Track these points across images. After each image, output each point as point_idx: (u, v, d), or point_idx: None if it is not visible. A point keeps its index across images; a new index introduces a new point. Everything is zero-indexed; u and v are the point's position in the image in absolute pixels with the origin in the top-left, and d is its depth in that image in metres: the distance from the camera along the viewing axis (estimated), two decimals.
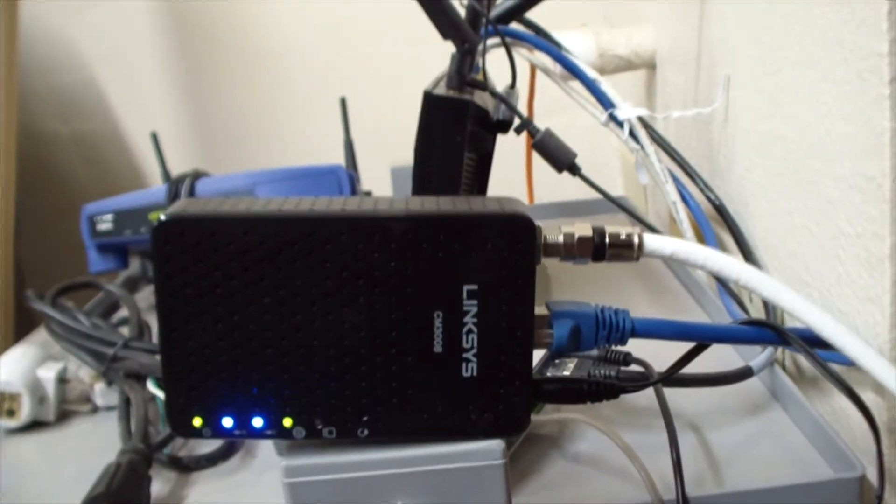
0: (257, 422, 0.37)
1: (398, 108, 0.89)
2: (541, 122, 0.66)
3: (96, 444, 0.59)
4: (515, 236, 0.35)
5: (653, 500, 0.43)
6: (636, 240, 0.37)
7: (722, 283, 0.68)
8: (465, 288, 0.36)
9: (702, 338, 0.39)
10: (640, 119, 0.75)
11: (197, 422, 0.37)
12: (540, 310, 0.37)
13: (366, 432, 0.37)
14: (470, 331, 0.36)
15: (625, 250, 0.37)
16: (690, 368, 0.41)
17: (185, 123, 1.27)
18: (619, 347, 0.48)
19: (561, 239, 0.37)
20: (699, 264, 0.38)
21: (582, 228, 0.37)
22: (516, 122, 0.64)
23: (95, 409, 0.64)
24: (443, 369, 0.36)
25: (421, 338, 0.36)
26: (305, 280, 0.35)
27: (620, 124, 0.75)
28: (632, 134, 0.75)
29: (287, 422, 0.37)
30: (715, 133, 0.76)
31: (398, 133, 0.72)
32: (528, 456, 0.50)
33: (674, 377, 0.50)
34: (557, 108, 0.88)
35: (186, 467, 0.54)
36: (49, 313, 0.65)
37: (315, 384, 0.36)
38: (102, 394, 0.64)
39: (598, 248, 0.37)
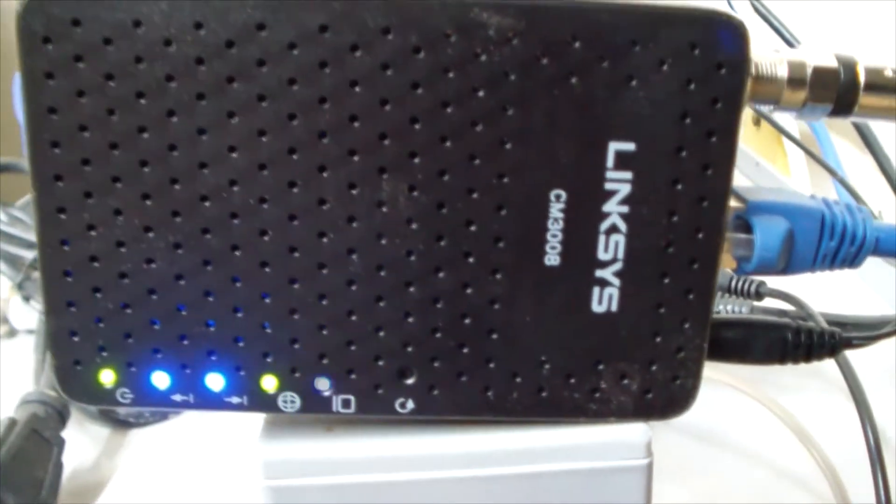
0: (214, 380, 0.21)
1: None
2: None
3: (8, 380, 0.42)
4: (715, 53, 0.18)
5: None
6: None
7: (856, 195, 0.51)
8: (613, 147, 0.19)
9: None
10: None
11: (107, 377, 0.21)
12: None
13: (410, 406, 0.21)
14: (613, 229, 0.19)
15: (888, 96, 0.21)
16: None
17: None
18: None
19: (783, 71, 0.20)
20: None
21: (817, 54, 0.20)
22: None
23: (13, 333, 0.47)
24: (558, 298, 0.20)
25: (522, 239, 0.19)
26: (310, 119, 0.18)
27: None
28: (729, 4, 0.58)
29: (268, 382, 0.21)
30: None
31: None
32: None
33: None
34: None
35: (124, 422, 0.38)
36: None
37: (321, 316, 0.20)
38: (22, 312, 0.47)
39: (848, 90, 0.20)
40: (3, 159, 0.56)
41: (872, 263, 0.48)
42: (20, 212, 0.52)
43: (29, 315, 0.47)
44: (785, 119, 0.57)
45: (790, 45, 0.55)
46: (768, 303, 0.37)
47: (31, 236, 0.47)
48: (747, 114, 0.64)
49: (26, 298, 0.46)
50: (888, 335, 0.24)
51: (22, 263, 0.46)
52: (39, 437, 0.33)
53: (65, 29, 0.18)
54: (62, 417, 0.35)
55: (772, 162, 0.64)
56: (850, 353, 0.35)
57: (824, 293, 0.38)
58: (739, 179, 0.64)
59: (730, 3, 0.56)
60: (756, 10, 0.57)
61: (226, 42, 0.18)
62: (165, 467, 0.37)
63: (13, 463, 0.31)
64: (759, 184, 0.62)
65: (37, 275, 0.45)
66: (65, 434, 0.35)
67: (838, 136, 0.57)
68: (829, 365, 0.32)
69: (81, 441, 0.38)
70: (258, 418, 0.22)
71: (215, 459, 0.36)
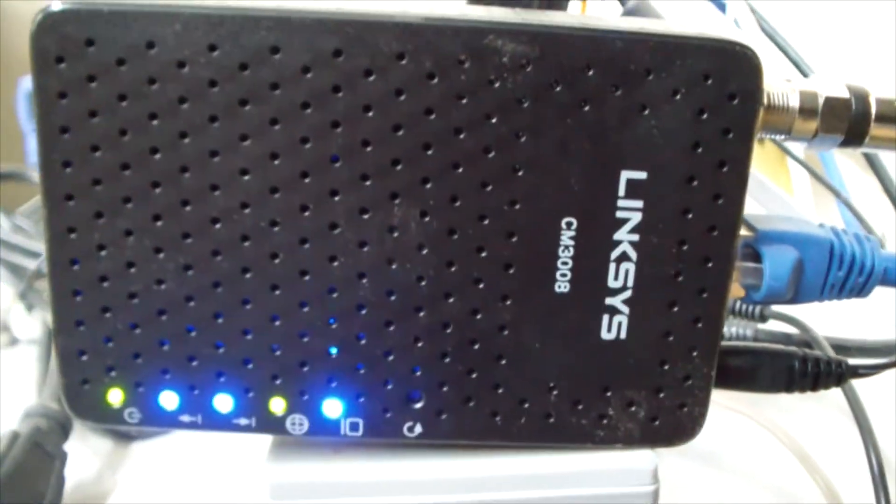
0: (223, 402, 0.21)
1: None
2: None
3: (9, 390, 0.42)
4: (728, 83, 0.18)
5: None
6: None
7: (860, 216, 0.51)
8: (625, 176, 0.19)
9: None
10: (749, 6, 0.58)
11: (115, 396, 0.21)
12: None
13: (418, 430, 0.21)
14: (624, 257, 0.19)
15: None
16: None
17: None
18: None
19: (795, 101, 0.20)
20: None
21: (828, 84, 0.20)
22: None
23: (15, 342, 0.47)
24: (568, 324, 0.20)
25: (532, 266, 0.19)
26: (322, 143, 0.18)
27: (722, 7, 0.58)
28: (736, 23, 0.58)
29: (277, 404, 0.20)
30: None
31: None
32: None
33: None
34: None
35: (126, 435, 0.38)
36: None
37: (330, 339, 0.20)
38: (24, 322, 0.46)
39: (859, 120, 0.20)
40: (5, 167, 0.56)
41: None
42: (23, 220, 0.52)
43: (31, 325, 0.47)
44: None
45: (796, 63, 0.56)
46: (772, 325, 0.37)
47: (34, 245, 0.47)
48: None
49: (29, 308, 0.46)
50: (895, 364, 0.24)
51: (24, 272, 0.45)
52: (42, 451, 0.33)
53: (78, 49, 0.18)
54: (65, 430, 0.34)
55: (775, 180, 0.64)
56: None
57: (828, 311, 0.38)
58: None
59: (736, 23, 0.56)
60: (762, 28, 0.58)
61: (239, 65, 0.18)
62: (168, 481, 0.37)
63: (15, 476, 0.31)
64: (761, 202, 0.62)
65: (39, 284, 0.45)
66: (67, 447, 0.35)
67: (842, 156, 0.57)
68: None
69: (84, 454, 0.38)
70: (265, 438, 0.22)
71: (218, 473, 0.36)
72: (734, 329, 0.35)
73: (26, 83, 0.63)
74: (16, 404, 0.36)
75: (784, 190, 0.62)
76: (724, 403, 0.32)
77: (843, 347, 0.35)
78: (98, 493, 0.36)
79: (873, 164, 0.52)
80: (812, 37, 0.59)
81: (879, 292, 0.40)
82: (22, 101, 0.64)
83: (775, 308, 0.37)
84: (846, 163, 0.57)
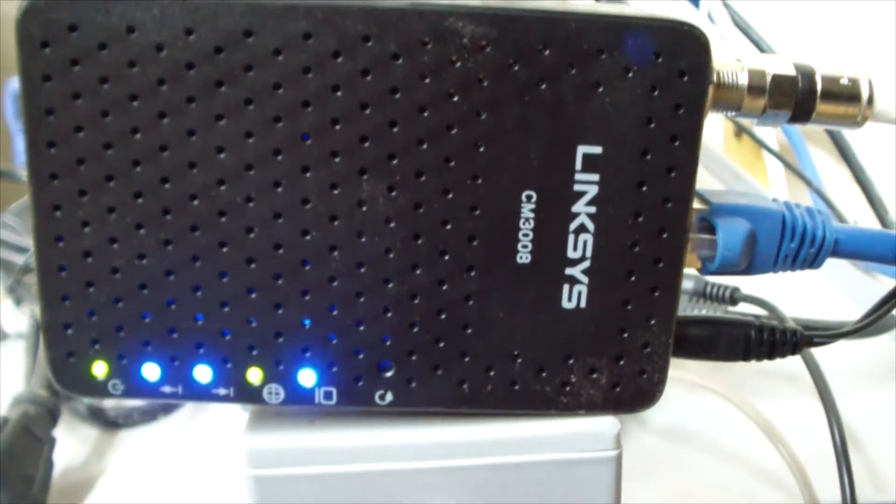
0: (202, 372, 0.21)
1: None
2: None
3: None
4: (678, 61, 0.19)
5: None
6: (865, 89, 0.22)
7: (832, 204, 0.52)
8: (581, 151, 0.20)
9: None
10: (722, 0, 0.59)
11: (99, 369, 0.21)
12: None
13: (389, 398, 0.22)
14: (582, 228, 0.20)
15: (844, 104, 0.22)
16: None
17: None
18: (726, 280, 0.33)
19: (744, 79, 0.21)
20: None
21: (776, 62, 0.22)
22: None
23: (3, 337, 0.48)
24: (530, 294, 0.21)
25: (495, 238, 0.20)
26: (293, 122, 0.19)
27: (695, 1, 0.59)
28: (710, 17, 0.59)
29: (254, 374, 0.21)
30: None
31: None
32: None
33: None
34: None
35: (113, 423, 0.39)
36: None
37: (304, 310, 0.21)
38: (12, 316, 0.47)
39: (806, 97, 0.21)
40: None
41: (849, 272, 0.49)
42: (12, 218, 0.52)
43: (19, 319, 0.47)
44: (764, 131, 0.59)
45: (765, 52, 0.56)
46: (743, 308, 0.38)
47: (22, 241, 0.47)
48: (728, 126, 0.65)
49: (17, 302, 0.47)
50: (849, 334, 0.25)
51: (12, 267, 0.46)
52: (31, 435, 0.34)
53: (62, 33, 0.19)
54: (53, 417, 0.35)
55: (752, 172, 0.65)
56: (820, 356, 0.36)
57: (800, 301, 0.39)
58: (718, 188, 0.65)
59: (710, 17, 0.57)
60: (736, 23, 0.59)
61: (215, 48, 0.19)
62: (154, 468, 0.38)
63: (5, 460, 0.32)
64: None
65: (27, 279, 0.45)
66: (55, 434, 0.36)
67: (815, 148, 0.59)
68: (800, 370, 0.33)
69: (71, 441, 0.38)
70: (244, 416, 0.23)
71: (202, 461, 0.37)
72: (704, 312, 0.36)
73: (14, 83, 0.64)
74: (5, 396, 0.37)
75: (760, 181, 0.63)
76: (697, 382, 0.33)
77: (810, 327, 0.36)
78: (86, 477, 0.36)
79: (845, 154, 0.53)
80: (785, 31, 0.61)
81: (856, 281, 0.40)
82: (9, 101, 0.64)
83: (745, 291, 0.38)
84: (819, 154, 0.58)
